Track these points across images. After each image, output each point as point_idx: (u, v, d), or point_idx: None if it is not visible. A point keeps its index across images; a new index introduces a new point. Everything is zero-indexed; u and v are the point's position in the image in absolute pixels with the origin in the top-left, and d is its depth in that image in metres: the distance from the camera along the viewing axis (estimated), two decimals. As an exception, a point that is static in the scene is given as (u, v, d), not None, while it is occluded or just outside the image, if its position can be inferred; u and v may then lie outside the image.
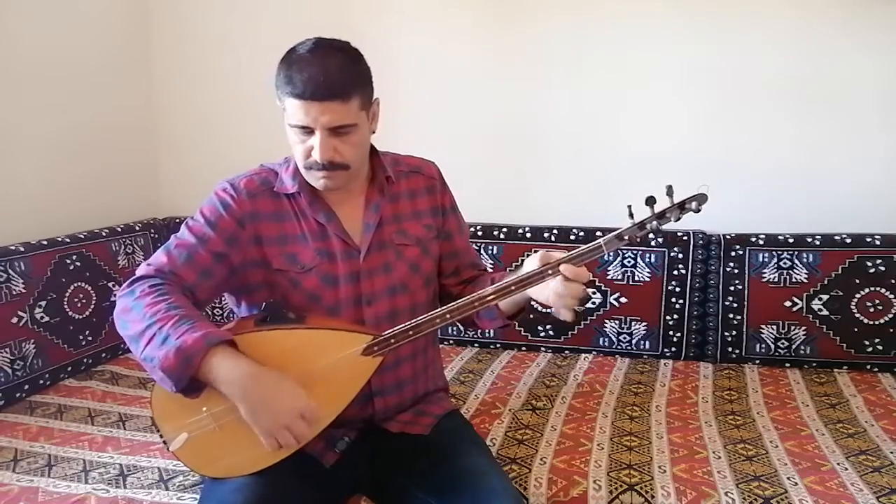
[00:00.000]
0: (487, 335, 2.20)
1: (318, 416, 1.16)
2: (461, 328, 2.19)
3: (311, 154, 1.25)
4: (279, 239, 1.32)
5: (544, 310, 1.27)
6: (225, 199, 1.32)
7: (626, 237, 1.22)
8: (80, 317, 2.05)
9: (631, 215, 1.20)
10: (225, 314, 2.34)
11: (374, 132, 1.35)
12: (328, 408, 1.20)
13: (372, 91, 1.30)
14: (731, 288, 2.03)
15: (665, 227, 1.22)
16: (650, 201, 1.18)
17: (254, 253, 1.31)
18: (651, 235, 2.05)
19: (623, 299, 2.10)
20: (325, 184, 1.28)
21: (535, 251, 2.07)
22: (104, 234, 2.19)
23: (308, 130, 1.23)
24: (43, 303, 1.93)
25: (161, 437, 1.24)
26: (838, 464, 1.43)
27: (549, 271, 1.20)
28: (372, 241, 1.34)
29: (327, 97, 1.20)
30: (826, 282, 1.96)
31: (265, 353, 1.19)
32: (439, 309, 1.25)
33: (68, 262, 2.02)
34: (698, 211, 1.20)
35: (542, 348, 2.17)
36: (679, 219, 1.21)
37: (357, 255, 1.33)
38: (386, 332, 1.24)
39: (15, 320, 1.86)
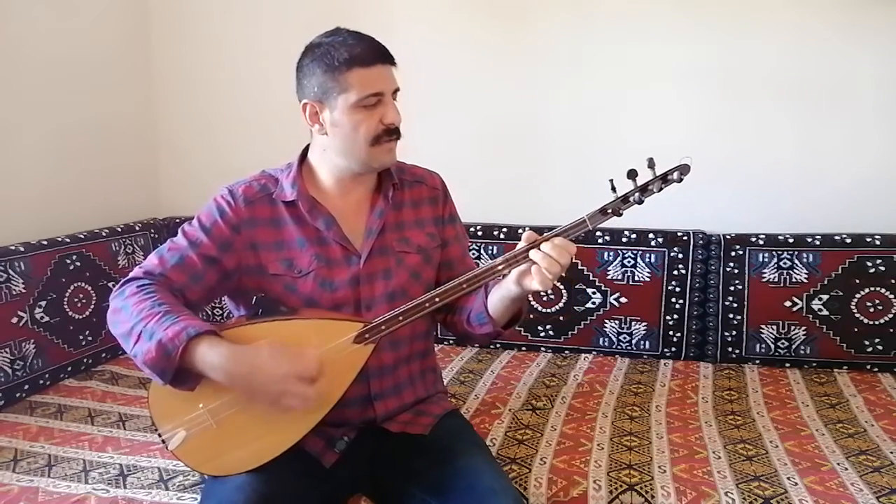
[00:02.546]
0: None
1: (311, 370, 1.15)
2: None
3: (381, 122, 1.28)
4: (276, 245, 1.32)
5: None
6: (222, 205, 1.33)
7: (610, 210, 1.22)
8: (80, 317, 2.05)
9: (613, 189, 1.20)
10: (225, 314, 2.34)
11: None
12: (324, 397, 1.20)
13: None
14: (731, 288, 2.03)
15: (647, 199, 1.22)
16: (632, 174, 1.19)
17: (249, 259, 1.32)
18: (651, 236, 2.08)
19: (623, 299, 2.10)
20: (393, 157, 1.33)
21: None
22: (104, 234, 2.19)
23: (377, 99, 1.27)
24: (43, 303, 1.93)
25: (159, 435, 1.24)
26: (838, 464, 1.43)
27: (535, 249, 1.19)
28: (373, 246, 1.34)
29: (390, 60, 1.29)
30: (826, 282, 1.96)
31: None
32: (428, 293, 1.25)
33: (68, 262, 2.02)
34: (680, 181, 1.20)
35: (542, 348, 2.17)
36: (661, 189, 1.21)
37: (357, 260, 1.33)
38: (376, 319, 1.24)
39: (15, 320, 1.86)
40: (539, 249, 1.19)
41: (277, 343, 1.17)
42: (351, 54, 1.25)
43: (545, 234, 1.21)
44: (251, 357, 1.15)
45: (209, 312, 2.36)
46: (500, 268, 1.22)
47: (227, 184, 1.37)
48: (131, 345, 1.19)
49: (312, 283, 1.31)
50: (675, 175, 1.20)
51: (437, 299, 1.24)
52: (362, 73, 1.25)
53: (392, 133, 1.29)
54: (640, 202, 1.21)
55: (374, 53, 1.26)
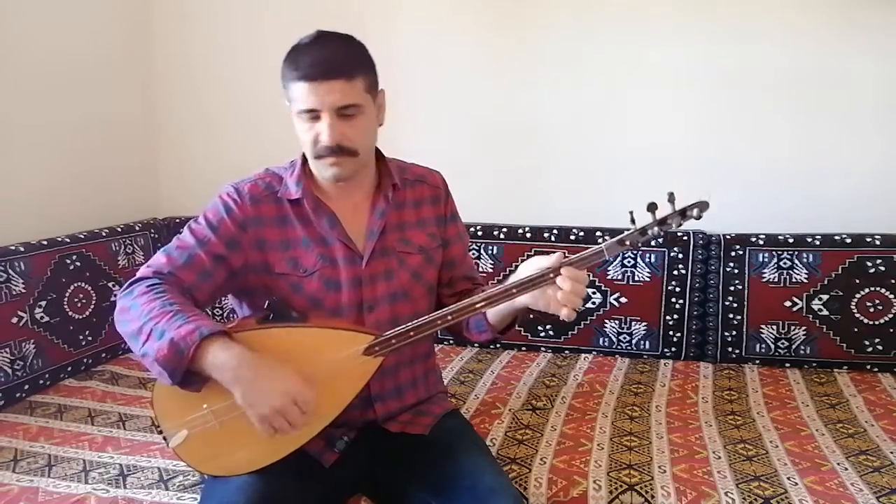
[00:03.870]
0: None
1: (311, 403, 1.15)
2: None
3: (318, 140, 1.25)
4: (282, 243, 1.32)
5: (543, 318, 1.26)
6: (228, 203, 1.32)
7: (628, 242, 1.22)
8: (80, 317, 2.05)
9: (633, 221, 1.21)
10: (225, 314, 2.34)
11: (381, 124, 1.36)
12: (328, 407, 1.20)
13: (376, 79, 1.31)
14: (731, 288, 2.03)
15: (666, 231, 1.23)
16: (652, 207, 1.19)
17: (255, 257, 1.31)
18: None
19: (623, 299, 2.10)
20: (335, 172, 1.28)
21: (535, 251, 2.07)
22: (104, 234, 2.19)
23: (315, 115, 1.24)
24: (43, 303, 1.93)
25: (161, 434, 1.24)
26: (838, 464, 1.43)
27: (552, 274, 1.20)
28: (375, 247, 1.34)
29: (332, 75, 1.21)
30: (826, 282, 1.96)
31: (266, 350, 1.19)
32: (441, 310, 1.25)
33: (68, 262, 2.02)
34: (699, 218, 1.21)
35: (542, 348, 2.17)
36: (680, 225, 1.22)
37: (359, 260, 1.33)
38: (387, 333, 1.24)
39: (15, 320, 1.86)
40: (562, 288, 1.19)
41: (291, 364, 1.17)
42: (295, 66, 1.23)
43: (564, 262, 1.21)
44: (263, 365, 1.15)
45: (209, 312, 2.36)
46: (514, 291, 1.22)
47: (233, 181, 1.36)
48: (140, 343, 1.18)
49: (317, 282, 1.31)
50: (695, 212, 1.21)
51: (449, 317, 1.24)
52: (300, 88, 1.23)
53: (331, 152, 1.25)
54: (659, 236, 1.23)
55: (313, 69, 1.21)
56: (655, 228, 1.21)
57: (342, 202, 1.35)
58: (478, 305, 1.23)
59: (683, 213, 1.21)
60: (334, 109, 1.23)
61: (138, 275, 1.28)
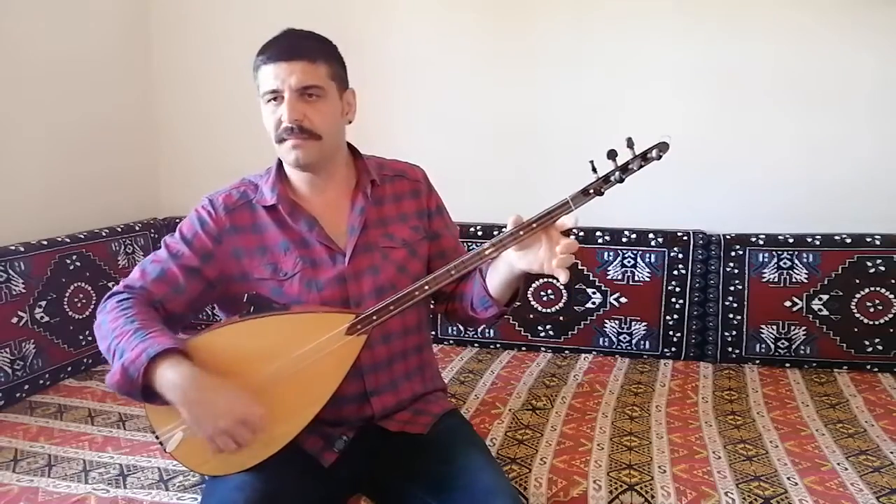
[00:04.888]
0: (487, 334, 2.20)
1: (259, 422, 1.13)
2: (462, 328, 2.20)
3: (281, 122, 1.27)
4: (259, 250, 1.33)
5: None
6: (202, 215, 1.34)
7: (592, 191, 1.23)
8: (80, 317, 2.05)
9: (594, 170, 1.21)
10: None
11: (350, 121, 1.38)
12: (319, 388, 1.20)
13: (344, 74, 1.35)
14: (731, 288, 2.03)
15: (628, 178, 1.21)
16: (612, 154, 1.20)
17: (232, 267, 1.32)
18: (651, 236, 2.08)
19: (623, 299, 2.10)
20: (298, 156, 1.29)
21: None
22: (104, 234, 2.20)
23: (278, 97, 1.27)
24: (43, 303, 1.93)
25: (157, 438, 1.24)
26: (838, 464, 1.43)
27: (521, 232, 1.19)
28: (357, 243, 1.34)
29: (295, 57, 1.26)
30: (826, 282, 1.96)
31: (249, 341, 1.20)
32: (417, 281, 1.24)
33: (68, 262, 2.02)
34: (659, 158, 1.21)
35: (542, 348, 2.17)
36: (641, 167, 1.21)
37: (342, 258, 1.33)
38: (368, 309, 1.24)
39: (15, 320, 1.86)
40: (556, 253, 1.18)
41: (243, 387, 1.16)
42: (262, 51, 1.29)
43: (531, 218, 1.21)
44: (210, 386, 1.14)
45: (209, 313, 2.35)
46: (487, 252, 1.21)
47: (208, 193, 1.38)
48: (111, 362, 1.20)
49: (298, 284, 1.31)
50: (654, 153, 1.20)
51: (426, 287, 1.23)
52: (264, 71, 1.28)
53: (291, 132, 1.27)
54: (621, 181, 1.22)
55: (278, 50, 1.27)
56: (617, 173, 1.21)
57: (319, 202, 1.36)
58: (452, 272, 1.22)
59: (644, 156, 1.21)
60: (296, 89, 1.26)
61: (112, 290, 1.30)
